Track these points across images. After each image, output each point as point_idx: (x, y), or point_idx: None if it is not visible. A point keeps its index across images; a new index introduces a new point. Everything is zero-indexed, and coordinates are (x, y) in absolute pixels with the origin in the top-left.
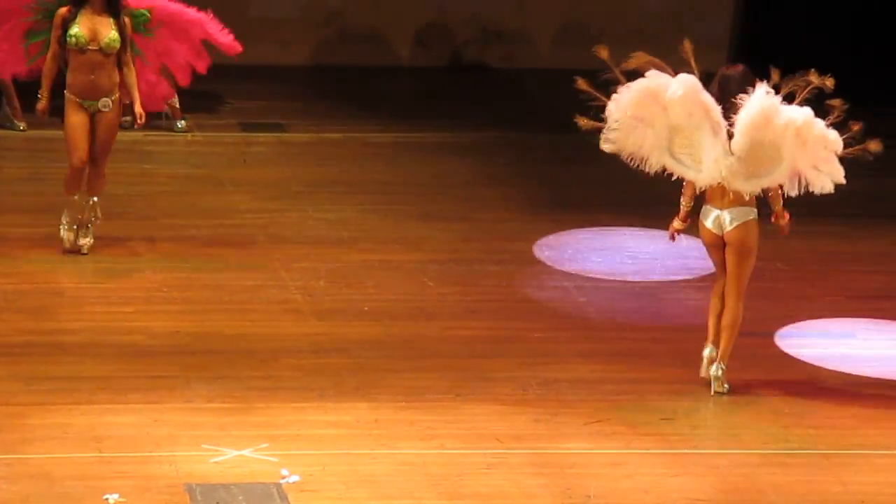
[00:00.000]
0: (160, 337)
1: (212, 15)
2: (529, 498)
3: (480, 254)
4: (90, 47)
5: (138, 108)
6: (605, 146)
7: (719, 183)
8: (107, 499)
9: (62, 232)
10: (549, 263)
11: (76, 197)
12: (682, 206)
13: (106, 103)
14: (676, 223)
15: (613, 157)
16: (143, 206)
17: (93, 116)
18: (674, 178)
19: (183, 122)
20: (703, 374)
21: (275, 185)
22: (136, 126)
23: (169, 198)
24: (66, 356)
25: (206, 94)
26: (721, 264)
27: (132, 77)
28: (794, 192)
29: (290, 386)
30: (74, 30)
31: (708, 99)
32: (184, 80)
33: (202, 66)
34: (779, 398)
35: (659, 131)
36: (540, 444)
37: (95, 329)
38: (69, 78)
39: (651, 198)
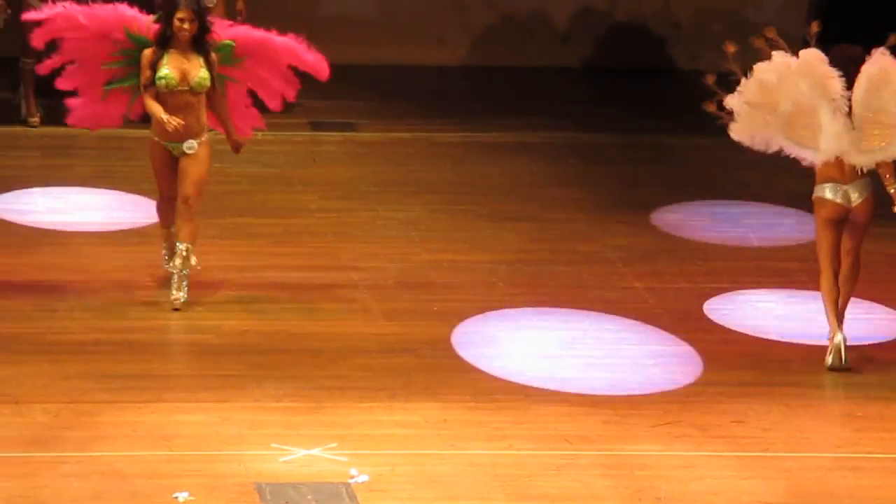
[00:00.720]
0: (229, 336)
1: (298, 39)
2: (599, 499)
3: (550, 254)
4: (180, 87)
5: (234, 139)
6: (734, 135)
7: (837, 158)
8: (176, 497)
9: (166, 265)
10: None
11: (172, 229)
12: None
13: (191, 145)
14: None
15: (682, 158)
16: (213, 205)
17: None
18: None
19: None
20: (830, 363)
21: (344, 185)
22: (235, 152)
23: (238, 197)
24: (137, 354)
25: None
26: (837, 242)
27: (225, 111)
28: None
29: (358, 385)
30: (164, 71)
31: (831, 72)
32: (275, 107)
33: (291, 93)
34: (851, 401)
35: (779, 115)
36: (609, 446)
37: (165, 328)
38: (154, 119)
39: (722, 197)
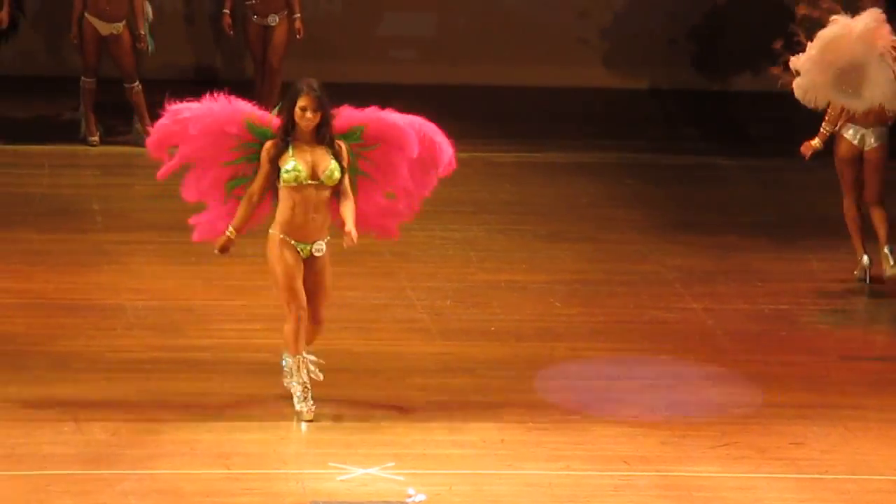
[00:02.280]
0: None
1: (435, 126)
2: None
3: (607, 274)
4: (310, 182)
5: (349, 226)
6: (797, 92)
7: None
8: None
9: (297, 404)
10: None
11: (303, 356)
12: (824, 131)
13: (320, 248)
14: (816, 142)
15: (738, 179)
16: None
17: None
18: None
19: None
20: (858, 274)
21: None
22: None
23: None
24: (195, 373)
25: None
26: (853, 180)
27: (350, 206)
28: None
29: (416, 405)
30: (291, 164)
31: (886, 33)
32: (411, 207)
33: (426, 190)
34: None
35: (834, 72)
36: (667, 467)
37: (223, 346)
38: (280, 216)
39: (781, 218)
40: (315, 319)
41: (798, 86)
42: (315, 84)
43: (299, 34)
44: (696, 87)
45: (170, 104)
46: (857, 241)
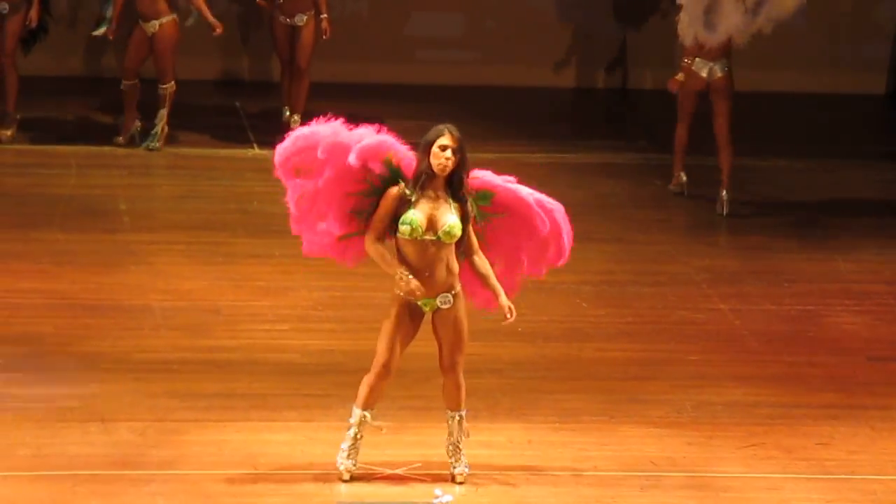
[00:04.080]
0: (315, 355)
1: (564, 214)
2: None
3: (634, 275)
4: (426, 237)
5: (503, 301)
6: (679, 28)
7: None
8: None
9: (339, 458)
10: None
11: (368, 413)
12: (685, 64)
13: (446, 299)
14: (680, 76)
15: (766, 180)
16: None
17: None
18: None
19: None
20: (675, 188)
21: None
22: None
23: None
24: (222, 373)
25: (362, 115)
26: (692, 110)
27: (486, 265)
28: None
29: (443, 406)
30: (410, 216)
31: None
32: (514, 284)
33: (533, 274)
34: None
35: (700, 11)
36: (694, 468)
37: (251, 347)
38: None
39: (809, 219)
40: (444, 368)
41: (680, 21)
42: (455, 128)
43: (326, 34)
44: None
45: (305, 124)
46: (679, 160)
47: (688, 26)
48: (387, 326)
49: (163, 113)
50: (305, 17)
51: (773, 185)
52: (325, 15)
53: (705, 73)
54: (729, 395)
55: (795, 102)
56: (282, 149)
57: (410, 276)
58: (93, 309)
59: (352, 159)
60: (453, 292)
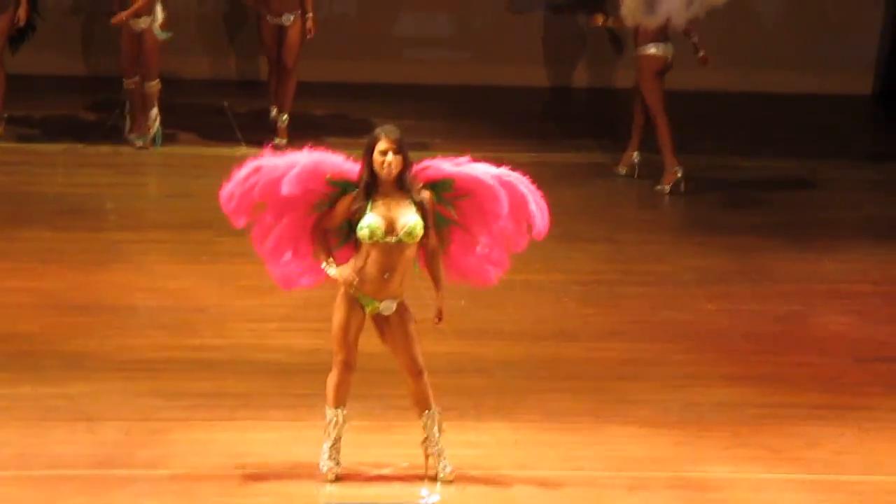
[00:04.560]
0: (301, 355)
1: (531, 185)
2: None
3: (622, 275)
4: (387, 239)
5: (439, 307)
6: (623, 11)
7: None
8: None
9: (321, 460)
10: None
11: (341, 411)
12: (612, 22)
13: (389, 306)
14: (610, 21)
15: (753, 180)
16: None
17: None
18: None
19: (283, 141)
20: (625, 171)
21: None
22: (437, 321)
23: None
24: (208, 373)
25: (349, 114)
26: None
27: (439, 267)
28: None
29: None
30: (367, 219)
31: None
32: (504, 259)
33: (517, 247)
34: None
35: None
36: (681, 468)
37: (237, 346)
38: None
39: (796, 219)
40: (412, 372)
41: (623, 4)
42: (394, 129)
43: (310, 33)
44: (711, 87)
45: (246, 162)
46: (635, 140)
47: (630, 9)
48: (337, 320)
49: (154, 112)
50: (292, 17)
51: (760, 186)
52: (311, 14)
53: (663, 52)
54: (716, 396)
55: (782, 102)
56: (225, 196)
57: (341, 267)
58: (79, 308)
59: (285, 190)
60: (398, 300)
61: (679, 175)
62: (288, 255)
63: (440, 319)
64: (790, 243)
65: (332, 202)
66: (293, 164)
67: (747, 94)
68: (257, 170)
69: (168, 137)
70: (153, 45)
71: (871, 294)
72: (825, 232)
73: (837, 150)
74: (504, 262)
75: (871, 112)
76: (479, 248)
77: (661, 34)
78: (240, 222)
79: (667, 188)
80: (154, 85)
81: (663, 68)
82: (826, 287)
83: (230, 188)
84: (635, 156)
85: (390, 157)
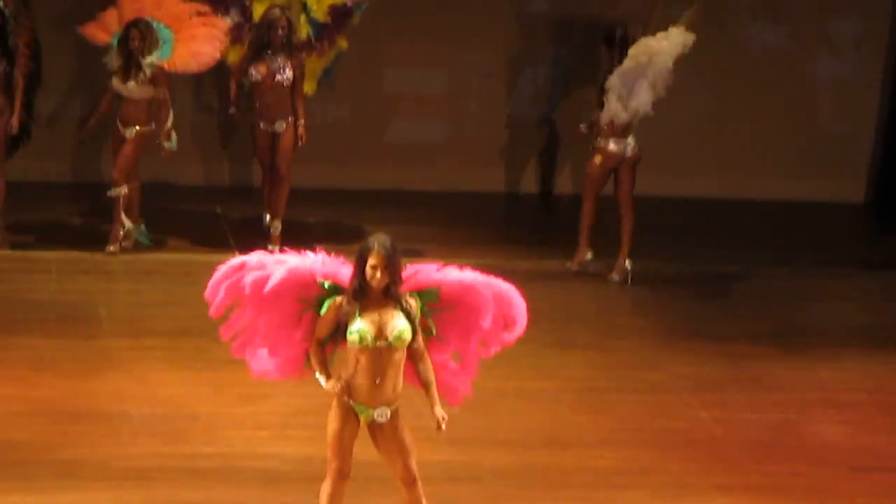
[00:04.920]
0: (294, 463)
1: (513, 287)
2: None
3: (615, 382)
4: (377, 344)
5: (438, 410)
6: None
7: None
8: None
9: None
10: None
11: None
12: (602, 146)
13: (384, 413)
14: (598, 158)
15: (747, 288)
16: None
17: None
18: None
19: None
20: (575, 267)
21: None
22: (437, 429)
23: None
24: (200, 482)
25: (341, 221)
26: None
27: (429, 372)
28: None
29: None
30: (357, 325)
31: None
32: (471, 369)
33: (488, 352)
34: None
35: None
36: None
37: (229, 454)
38: (345, 375)
39: (790, 327)
40: (405, 481)
41: (609, 102)
42: (386, 241)
43: (302, 140)
44: (704, 194)
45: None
46: (586, 237)
47: (617, 109)
48: (331, 428)
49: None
50: (285, 124)
51: (754, 293)
52: (303, 121)
53: (621, 150)
54: None
55: (775, 210)
56: (211, 285)
57: (336, 380)
58: (71, 416)
59: (270, 289)
60: (392, 408)
61: (588, 257)
62: (263, 352)
63: (439, 427)
64: (784, 351)
65: (317, 305)
66: (279, 267)
67: (740, 201)
68: (242, 266)
69: (160, 243)
70: (132, 150)
71: (866, 403)
72: (819, 340)
73: (830, 257)
74: (474, 369)
75: (864, 220)
76: (451, 364)
77: (619, 130)
78: (219, 315)
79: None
80: (122, 190)
81: (615, 164)
82: (820, 395)
83: (216, 281)
84: (590, 254)
85: (379, 272)
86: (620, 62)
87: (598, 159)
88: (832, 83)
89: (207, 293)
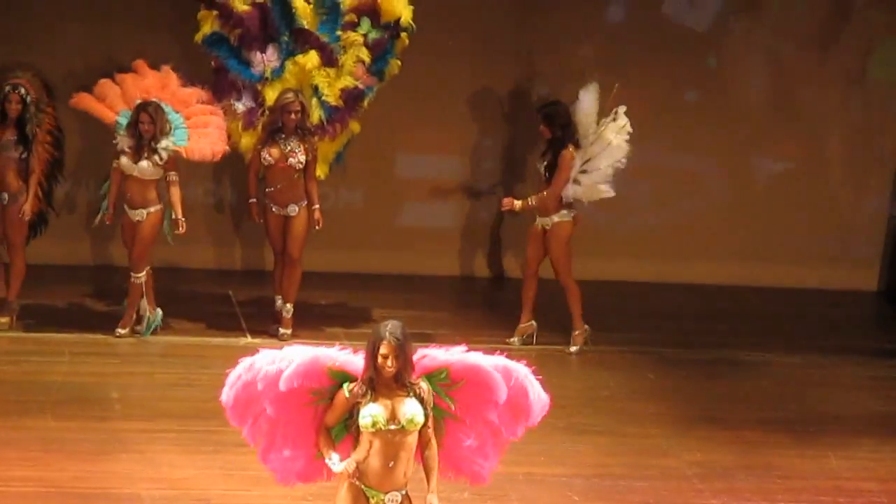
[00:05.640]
0: None
1: (528, 371)
2: None
3: (627, 469)
4: (390, 427)
5: (430, 499)
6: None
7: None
8: None
9: None
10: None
11: None
12: (529, 201)
13: (394, 498)
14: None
15: (760, 374)
16: None
17: None
18: None
19: (287, 332)
20: (521, 340)
21: None
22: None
23: None
24: None
25: (353, 304)
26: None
27: (433, 459)
28: None
29: None
30: (370, 409)
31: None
32: (498, 451)
33: (513, 436)
34: None
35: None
36: None
37: None
38: (356, 458)
39: (801, 415)
40: None
41: (584, 185)
42: (397, 329)
43: (318, 225)
44: (718, 280)
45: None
46: (529, 309)
47: (590, 187)
48: None
49: (144, 303)
50: (297, 208)
51: (766, 380)
52: (318, 206)
53: (546, 225)
54: None
55: (787, 297)
56: (227, 394)
57: (346, 461)
58: (82, 498)
59: (284, 386)
60: (403, 492)
61: (587, 332)
62: (287, 452)
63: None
64: (795, 439)
65: (330, 395)
66: (290, 360)
67: (753, 287)
68: (251, 367)
69: (171, 327)
70: (146, 234)
71: (878, 492)
72: (830, 428)
73: (842, 345)
74: (497, 454)
75: (877, 308)
76: (469, 442)
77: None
78: (241, 422)
79: (574, 349)
80: (142, 276)
81: (574, 234)
82: (832, 484)
83: (231, 388)
84: (534, 324)
85: (391, 361)
86: (562, 141)
87: (560, 232)
88: (845, 173)
89: (224, 399)
